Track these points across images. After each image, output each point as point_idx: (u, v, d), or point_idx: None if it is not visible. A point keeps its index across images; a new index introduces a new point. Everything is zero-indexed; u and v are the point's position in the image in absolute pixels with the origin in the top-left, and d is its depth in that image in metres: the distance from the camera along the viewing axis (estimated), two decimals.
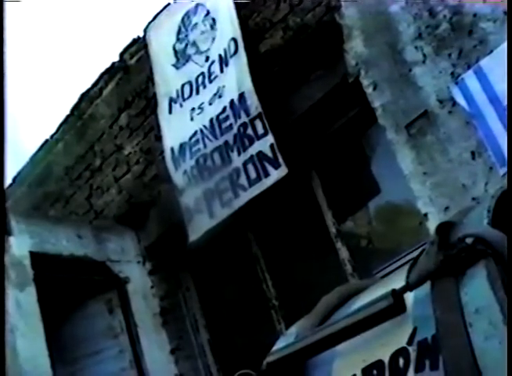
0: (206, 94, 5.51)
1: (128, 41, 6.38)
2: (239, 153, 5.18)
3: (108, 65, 6.50)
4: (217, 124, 5.34)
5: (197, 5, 5.73)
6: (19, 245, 5.09)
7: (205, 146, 5.40)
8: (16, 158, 6.91)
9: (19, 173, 7.19)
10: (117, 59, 6.43)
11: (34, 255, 5.16)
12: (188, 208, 5.48)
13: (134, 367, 5.54)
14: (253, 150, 5.09)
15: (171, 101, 5.75)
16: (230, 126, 5.24)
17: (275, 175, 4.96)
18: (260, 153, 5.05)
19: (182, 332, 5.95)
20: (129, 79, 6.31)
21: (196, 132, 5.47)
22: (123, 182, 6.24)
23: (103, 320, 5.70)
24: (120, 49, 6.42)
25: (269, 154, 4.99)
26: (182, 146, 5.56)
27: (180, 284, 6.18)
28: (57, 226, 5.66)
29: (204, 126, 5.42)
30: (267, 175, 5.01)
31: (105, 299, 5.75)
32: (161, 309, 5.90)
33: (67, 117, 6.84)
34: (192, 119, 5.55)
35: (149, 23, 6.10)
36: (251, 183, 5.10)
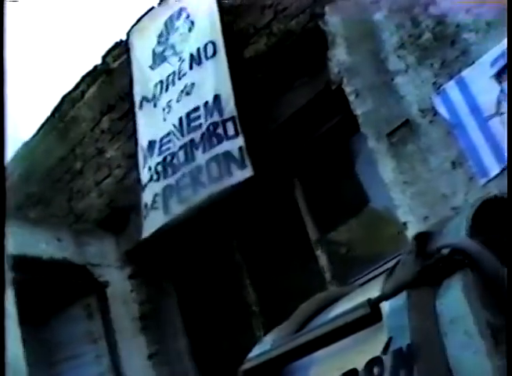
0: (174, 91, 5.47)
1: (111, 44, 6.37)
2: (204, 151, 5.09)
3: (90, 68, 6.48)
4: (186, 123, 5.28)
5: (181, 10, 5.71)
6: None
7: (174, 144, 5.35)
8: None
9: None
10: (99, 62, 6.41)
11: (12, 258, 5.11)
12: (146, 205, 5.43)
13: (112, 372, 5.51)
14: (220, 149, 5.00)
15: (144, 99, 5.70)
16: (200, 125, 5.18)
17: (240, 175, 4.87)
18: (227, 153, 4.96)
19: (161, 337, 5.92)
20: (111, 82, 6.29)
21: (169, 133, 5.42)
22: (104, 186, 6.21)
23: (82, 325, 5.66)
24: (103, 52, 6.41)
25: (236, 156, 4.91)
26: (150, 143, 5.51)
27: (160, 289, 6.15)
28: (37, 229, 5.62)
29: (174, 125, 5.36)
30: (230, 174, 4.92)
31: (84, 304, 5.71)
32: (141, 314, 5.86)
33: (48, 118, 6.81)
34: (164, 119, 5.50)
35: (133, 26, 6.08)
36: (212, 181, 5.02)
